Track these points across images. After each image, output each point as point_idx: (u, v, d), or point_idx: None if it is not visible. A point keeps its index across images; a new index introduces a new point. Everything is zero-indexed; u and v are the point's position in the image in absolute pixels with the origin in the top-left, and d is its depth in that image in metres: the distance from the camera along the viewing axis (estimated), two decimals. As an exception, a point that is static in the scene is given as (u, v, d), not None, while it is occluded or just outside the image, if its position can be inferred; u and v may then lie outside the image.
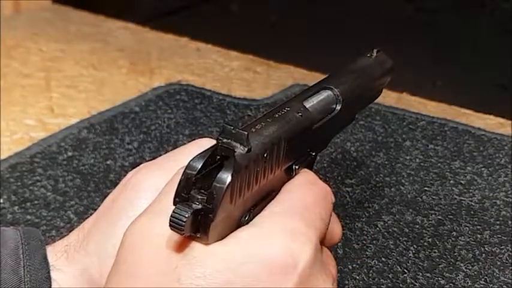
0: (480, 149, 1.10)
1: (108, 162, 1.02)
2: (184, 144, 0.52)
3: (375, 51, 0.64)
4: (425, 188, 0.99)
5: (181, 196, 0.40)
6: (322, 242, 0.47)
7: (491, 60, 1.33)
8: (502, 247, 0.87)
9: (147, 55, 1.44)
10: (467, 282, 0.81)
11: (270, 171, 0.45)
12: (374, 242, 0.87)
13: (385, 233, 0.89)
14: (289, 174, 0.49)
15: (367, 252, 0.85)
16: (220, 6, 1.78)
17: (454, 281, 0.81)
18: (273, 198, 0.46)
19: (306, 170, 0.50)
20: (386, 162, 1.05)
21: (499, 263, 0.85)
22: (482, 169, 1.04)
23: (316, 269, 0.43)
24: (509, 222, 0.92)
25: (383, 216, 0.92)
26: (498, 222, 0.92)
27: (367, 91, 0.62)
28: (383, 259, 0.84)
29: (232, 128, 0.41)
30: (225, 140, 0.41)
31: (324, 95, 0.55)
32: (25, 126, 1.13)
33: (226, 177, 0.40)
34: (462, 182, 1.01)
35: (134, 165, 0.56)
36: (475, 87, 1.21)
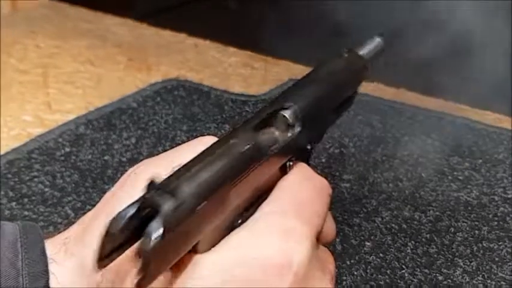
0: (479, 143, 1.10)
1: (105, 158, 1.01)
2: (182, 139, 0.52)
3: (345, 50, 0.59)
4: (423, 184, 0.99)
5: (103, 259, 0.37)
6: (318, 238, 0.47)
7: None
8: (500, 243, 0.87)
9: (145, 51, 1.44)
10: (465, 278, 0.81)
11: (217, 217, 0.41)
12: (372, 237, 0.87)
13: (383, 229, 0.89)
14: (284, 171, 0.48)
15: (365, 248, 0.85)
16: (217, 2, 1.78)
17: (452, 276, 0.81)
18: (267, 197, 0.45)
19: (301, 164, 0.49)
20: (384, 158, 1.05)
21: (497, 258, 0.85)
22: (481, 164, 1.04)
23: (313, 266, 0.43)
24: (507, 218, 0.92)
25: (381, 212, 0.92)
26: (496, 218, 0.92)
27: (335, 99, 0.57)
28: (381, 255, 0.84)
29: (156, 179, 0.37)
30: (151, 195, 0.37)
31: (279, 116, 0.49)
32: (22, 122, 1.12)
33: (149, 241, 0.35)
34: (460, 177, 1.01)
35: (132, 161, 0.57)
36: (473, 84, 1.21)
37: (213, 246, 0.41)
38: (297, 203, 0.45)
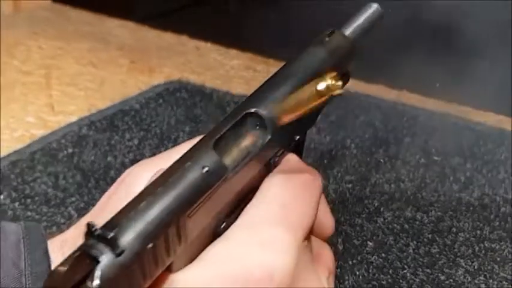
0: (480, 144, 1.10)
1: (108, 159, 1.02)
2: (184, 141, 0.51)
3: (327, 33, 0.53)
4: (425, 185, 0.99)
5: None
6: (311, 234, 0.46)
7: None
8: (502, 243, 0.88)
9: (147, 53, 1.44)
10: (467, 278, 0.81)
11: (173, 252, 0.37)
12: (374, 238, 0.87)
13: (385, 229, 0.89)
14: (269, 168, 0.45)
15: (367, 248, 0.85)
16: (219, 5, 1.79)
17: (453, 276, 0.81)
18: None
19: (287, 158, 0.47)
20: (386, 159, 1.05)
21: (498, 259, 0.85)
22: (482, 165, 1.04)
23: (302, 270, 0.42)
24: (509, 218, 0.92)
25: (383, 213, 0.92)
26: (498, 219, 0.92)
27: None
28: (383, 255, 0.84)
29: (95, 227, 0.34)
30: (88, 245, 0.34)
31: (245, 126, 0.44)
32: (25, 124, 1.13)
33: None
34: (462, 178, 1.01)
35: (134, 162, 0.57)
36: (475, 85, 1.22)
37: (192, 260, 0.39)
38: (279, 206, 0.43)
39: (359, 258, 0.84)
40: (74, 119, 1.14)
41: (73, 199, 0.92)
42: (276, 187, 0.44)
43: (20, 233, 0.49)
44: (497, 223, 0.91)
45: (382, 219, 0.91)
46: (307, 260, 0.43)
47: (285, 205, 0.43)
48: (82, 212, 0.89)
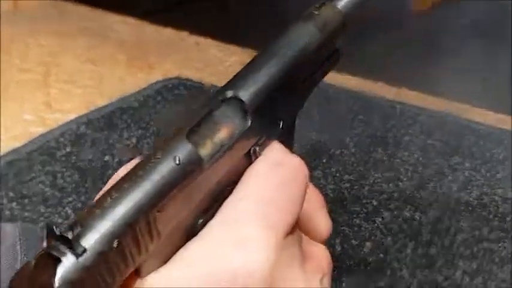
0: (479, 144, 1.09)
1: (106, 158, 1.01)
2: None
3: (316, 6, 0.50)
4: (424, 184, 0.99)
5: None
6: (307, 235, 0.44)
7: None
8: (501, 244, 0.87)
9: (146, 50, 1.44)
10: (466, 279, 0.81)
11: (145, 250, 0.36)
12: (372, 238, 0.87)
13: (383, 229, 0.89)
14: (250, 159, 0.43)
15: (365, 249, 0.85)
16: (219, 0, 1.78)
17: (452, 277, 0.81)
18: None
19: (269, 147, 0.44)
20: (384, 158, 1.04)
21: (497, 259, 0.84)
22: (481, 165, 1.04)
23: (284, 268, 0.40)
24: (508, 218, 0.92)
25: (381, 213, 0.92)
26: (497, 219, 0.92)
27: (301, 74, 0.48)
28: (381, 255, 0.84)
29: (55, 227, 0.33)
30: (50, 246, 0.33)
31: (222, 112, 0.42)
32: (23, 122, 1.12)
33: None
34: (460, 178, 1.01)
35: (132, 161, 0.56)
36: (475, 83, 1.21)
37: (165, 262, 0.38)
38: (256, 204, 0.41)
39: (357, 258, 0.84)
40: (72, 116, 1.13)
41: (70, 199, 0.92)
42: (256, 181, 0.42)
43: (17, 235, 0.49)
44: (496, 223, 0.91)
45: (380, 219, 0.91)
46: (291, 257, 0.42)
47: (263, 201, 0.41)
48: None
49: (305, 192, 0.44)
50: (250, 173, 0.43)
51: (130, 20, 1.59)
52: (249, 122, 0.42)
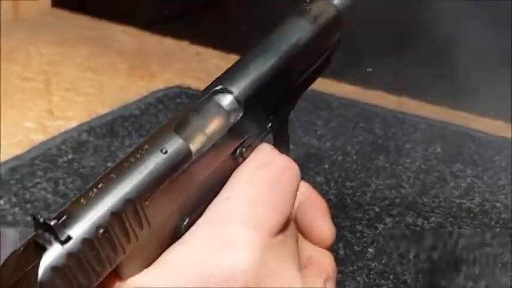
0: (480, 152, 1.10)
1: (108, 164, 1.01)
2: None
3: (306, 2, 0.49)
4: (426, 191, 0.99)
5: None
6: (285, 228, 0.42)
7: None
8: (503, 249, 0.87)
9: (147, 59, 1.44)
10: (468, 284, 0.81)
11: (134, 238, 0.36)
12: (374, 244, 0.87)
13: (386, 235, 0.89)
14: (237, 160, 0.42)
15: (367, 255, 0.85)
16: (220, 10, 1.78)
17: (454, 282, 0.81)
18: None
19: (261, 146, 0.44)
20: (386, 165, 1.05)
21: (500, 265, 0.84)
22: (483, 172, 1.04)
23: (273, 268, 0.40)
24: (510, 224, 0.92)
25: (383, 219, 0.92)
26: (498, 225, 0.92)
27: (292, 70, 0.48)
28: (384, 261, 0.84)
29: (39, 216, 0.33)
30: (37, 234, 0.33)
31: (211, 105, 0.42)
32: (25, 129, 1.12)
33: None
34: (462, 184, 1.01)
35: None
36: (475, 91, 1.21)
37: (148, 265, 0.38)
38: (242, 204, 0.41)
39: (359, 264, 0.84)
40: (73, 124, 1.14)
41: (73, 205, 0.91)
42: (242, 181, 0.42)
43: (17, 238, 0.49)
44: (498, 229, 0.91)
45: (382, 225, 0.91)
46: (283, 256, 0.41)
47: (250, 200, 0.41)
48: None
49: (296, 190, 0.43)
50: (237, 173, 0.43)
51: (131, 30, 1.60)
52: (240, 114, 0.42)
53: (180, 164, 0.38)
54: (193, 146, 0.39)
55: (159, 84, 1.31)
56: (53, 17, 1.65)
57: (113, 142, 1.08)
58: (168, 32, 1.57)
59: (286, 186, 0.43)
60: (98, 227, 0.34)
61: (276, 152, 0.44)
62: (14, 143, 1.07)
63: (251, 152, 0.43)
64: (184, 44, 1.53)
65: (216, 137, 0.41)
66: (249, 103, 0.42)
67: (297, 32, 0.47)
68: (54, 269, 0.33)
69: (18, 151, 1.04)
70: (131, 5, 1.67)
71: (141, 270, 0.37)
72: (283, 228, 0.42)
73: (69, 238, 0.33)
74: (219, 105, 0.42)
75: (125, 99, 1.24)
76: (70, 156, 1.03)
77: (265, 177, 0.42)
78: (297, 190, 0.44)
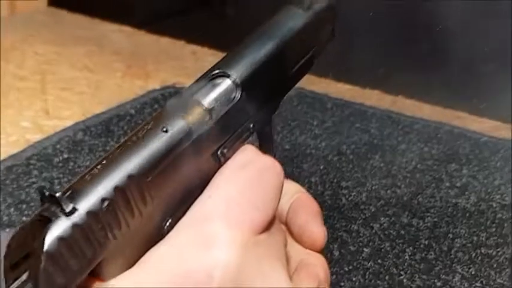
0: (476, 152, 1.10)
1: (104, 164, 1.01)
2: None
3: None
4: (422, 190, 0.99)
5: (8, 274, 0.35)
6: (269, 227, 0.43)
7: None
8: (498, 249, 0.87)
9: (143, 58, 1.44)
10: (464, 285, 0.81)
11: (138, 213, 0.38)
12: (370, 244, 0.87)
13: (381, 235, 0.89)
14: (219, 162, 0.43)
15: (363, 255, 0.85)
16: (215, 9, 1.78)
17: (450, 283, 0.81)
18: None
19: (243, 147, 0.45)
20: (382, 165, 1.05)
21: (495, 265, 0.85)
22: (478, 172, 1.04)
23: (254, 267, 0.40)
24: (505, 224, 0.92)
25: (379, 219, 0.92)
26: (494, 225, 0.92)
27: (288, 57, 0.50)
28: (379, 261, 0.84)
29: (46, 190, 0.35)
30: (43, 208, 0.35)
31: (210, 86, 0.45)
32: (20, 129, 1.12)
33: (37, 261, 0.33)
34: (458, 184, 1.01)
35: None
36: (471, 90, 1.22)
37: (130, 266, 0.38)
38: (222, 203, 0.41)
39: (355, 264, 0.84)
40: (69, 123, 1.13)
41: (68, 204, 0.91)
42: (224, 180, 0.43)
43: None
44: (494, 229, 0.91)
45: (378, 225, 0.91)
46: (266, 255, 0.41)
47: (231, 199, 0.41)
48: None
49: (279, 190, 0.44)
50: (219, 173, 0.43)
51: (127, 29, 1.60)
52: (238, 95, 0.44)
53: (181, 141, 0.40)
54: (193, 123, 0.41)
55: (154, 83, 1.31)
56: (49, 16, 1.65)
57: (109, 142, 1.08)
58: (164, 31, 1.57)
59: (268, 185, 0.43)
60: (102, 200, 0.36)
61: (258, 152, 0.45)
62: (10, 142, 1.07)
63: (233, 153, 0.44)
64: (180, 43, 1.53)
65: (216, 116, 0.43)
66: (246, 86, 0.45)
67: (292, 19, 0.50)
68: (60, 239, 0.34)
69: (14, 151, 1.04)
70: (127, 4, 1.67)
71: (123, 272, 0.38)
72: (267, 228, 0.42)
73: (74, 210, 0.34)
74: (218, 88, 0.44)
75: (121, 99, 1.24)
76: (66, 156, 1.03)
77: (247, 176, 0.43)
78: (280, 189, 0.44)
